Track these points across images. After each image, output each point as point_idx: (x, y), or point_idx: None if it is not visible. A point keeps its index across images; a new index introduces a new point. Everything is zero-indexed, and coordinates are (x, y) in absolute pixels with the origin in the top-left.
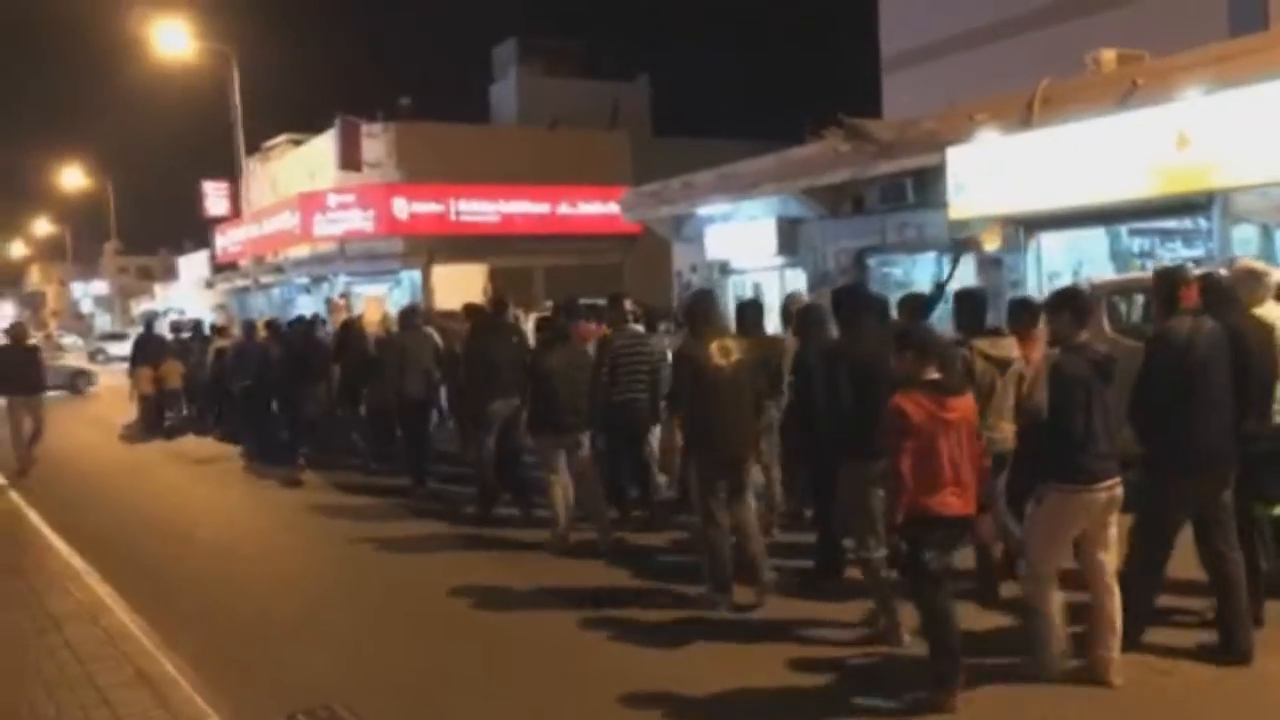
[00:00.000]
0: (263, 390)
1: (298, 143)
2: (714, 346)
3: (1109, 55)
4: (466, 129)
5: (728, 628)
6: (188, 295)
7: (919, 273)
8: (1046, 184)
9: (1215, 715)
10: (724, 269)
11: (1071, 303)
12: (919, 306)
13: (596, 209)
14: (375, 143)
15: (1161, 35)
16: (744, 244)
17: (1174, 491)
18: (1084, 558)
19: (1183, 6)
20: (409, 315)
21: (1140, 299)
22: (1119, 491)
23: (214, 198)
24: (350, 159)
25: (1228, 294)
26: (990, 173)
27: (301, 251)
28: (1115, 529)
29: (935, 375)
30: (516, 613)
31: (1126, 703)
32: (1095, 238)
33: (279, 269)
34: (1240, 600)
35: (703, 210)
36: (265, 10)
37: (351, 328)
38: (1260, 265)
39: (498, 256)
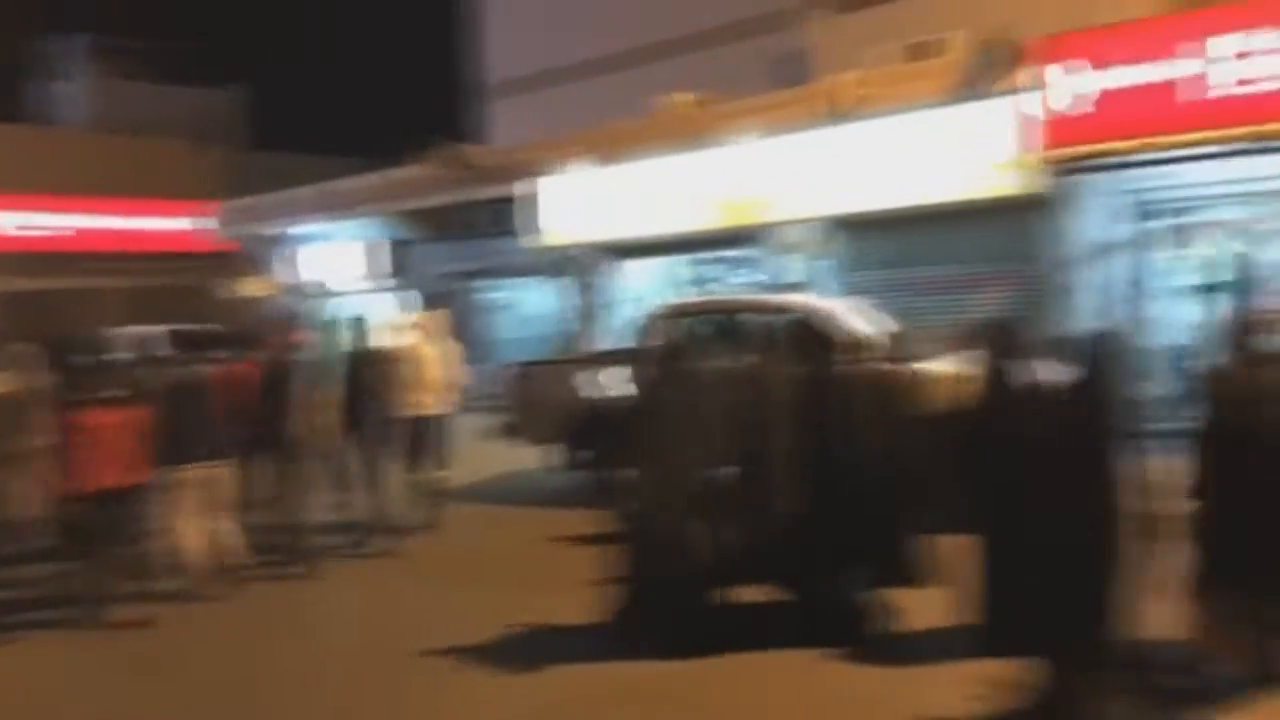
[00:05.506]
0: None
1: None
2: None
3: (682, 98)
4: (20, 131)
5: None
6: None
7: (522, 295)
8: (629, 214)
9: None
10: (322, 290)
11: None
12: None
13: (183, 225)
14: None
15: (732, 81)
16: (343, 265)
17: None
18: None
19: (746, 56)
20: None
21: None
22: (216, 473)
23: None
24: None
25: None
26: (580, 202)
27: None
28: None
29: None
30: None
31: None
32: (674, 264)
33: None
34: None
35: (300, 229)
36: None
37: None
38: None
39: (64, 275)
